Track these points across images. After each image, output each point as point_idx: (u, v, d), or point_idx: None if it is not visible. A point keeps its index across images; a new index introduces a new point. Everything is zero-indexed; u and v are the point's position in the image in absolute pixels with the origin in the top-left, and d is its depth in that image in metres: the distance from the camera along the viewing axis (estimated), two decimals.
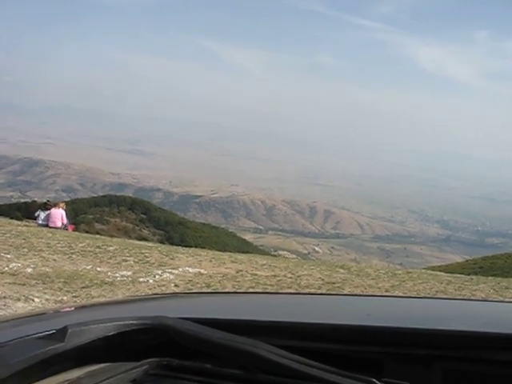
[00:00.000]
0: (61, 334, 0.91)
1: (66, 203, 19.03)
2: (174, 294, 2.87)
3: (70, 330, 0.91)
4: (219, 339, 0.97)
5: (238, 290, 8.06)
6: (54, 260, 9.95)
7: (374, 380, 0.89)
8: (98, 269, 9.47)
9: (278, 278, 9.61)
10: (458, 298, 7.88)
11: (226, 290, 8.08)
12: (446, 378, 1.07)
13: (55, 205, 16.75)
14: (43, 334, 0.98)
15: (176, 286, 8.68)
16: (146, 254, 11.16)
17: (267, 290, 8.25)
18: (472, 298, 8.23)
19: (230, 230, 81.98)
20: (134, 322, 1.03)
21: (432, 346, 1.08)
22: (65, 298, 7.43)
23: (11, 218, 20.23)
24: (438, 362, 1.08)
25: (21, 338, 0.96)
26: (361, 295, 5.02)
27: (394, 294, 8.15)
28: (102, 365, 0.98)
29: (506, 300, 7.42)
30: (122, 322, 1.01)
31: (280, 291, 8.27)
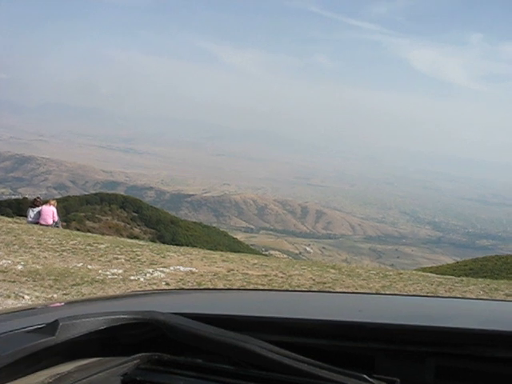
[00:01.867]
0: (52, 327, 0.91)
1: (58, 200, 18.91)
2: (166, 290, 2.87)
3: (61, 324, 0.91)
4: (210, 334, 0.97)
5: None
6: (45, 257, 9.91)
7: (365, 376, 0.89)
8: (89, 266, 9.44)
9: (269, 278, 9.61)
10: (450, 296, 7.92)
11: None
12: (438, 374, 1.07)
13: (46, 202, 16.65)
14: (34, 327, 0.98)
15: (167, 284, 8.67)
16: (138, 253, 11.13)
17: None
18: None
19: (222, 229, 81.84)
20: (126, 316, 1.03)
21: (424, 343, 1.08)
22: (55, 295, 7.41)
23: (2, 215, 20.11)
24: (430, 359, 1.08)
25: (11, 331, 0.95)
26: (352, 293, 5.03)
27: (386, 292, 8.18)
28: (93, 359, 0.99)
29: (497, 299, 7.46)
30: (113, 317, 1.01)
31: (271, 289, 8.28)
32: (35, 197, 18.62)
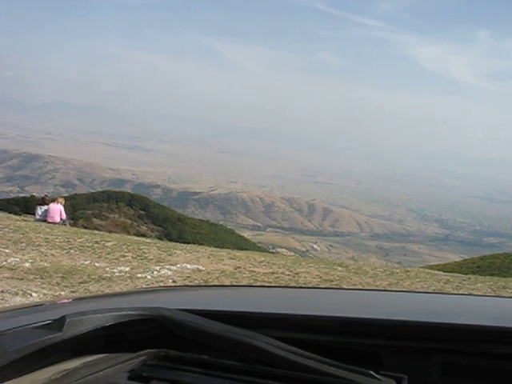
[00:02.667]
0: (59, 323, 0.91)
1: (65, 198, 18.95)
2: (173, 287, 2.87)
3: (68, 320, 0.91)
4: (218, 331, 0.97)
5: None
6: (52, 255, 9.95)
7: (372, 372, 0.89)
8: (96, 264, 9.47)
9: (276, 275, 9.61)
10: (458, 293, 7.89)
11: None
12: (444, 370, 1.07)
13: (54, 200, 16.71)
14: (41, 323, 0.98)
15: (174, 282, 8.68)
16: (144, 250, 11.15)
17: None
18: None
19: (229, 227, 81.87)
20: (133, 312, 1.03)
21: (431, 339, 1.08)
22: (63, 293, 7.43)
23: (10, 213, 20.21)
24: (437, 355, 1.08)
25: (19, 327, 0.96)
26: (360, 289, 5.02)
27: (393, 289, 8.15)
28: (100, 355, 0.99)
29: (505, 296, 7.42)
30: (120, 313, 1.01)
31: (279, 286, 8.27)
32: (43, 195, 18.70)
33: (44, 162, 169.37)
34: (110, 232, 23.79)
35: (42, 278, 8.08)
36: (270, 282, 8.97)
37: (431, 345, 1.08)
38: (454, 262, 33.43)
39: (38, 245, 10.76)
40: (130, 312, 1.03)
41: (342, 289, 4.99)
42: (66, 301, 1.59)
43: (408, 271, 11.54)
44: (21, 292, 7.08)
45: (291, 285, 8.94)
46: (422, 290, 8.90)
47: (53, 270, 8.62)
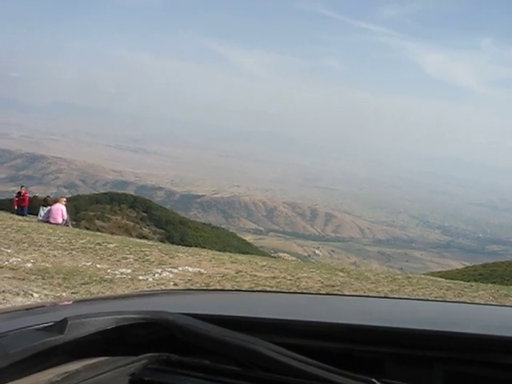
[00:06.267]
0: (60, 326, 0.91)
1: (68, 199, 18.97)
2: (175, 291, 2.86)
3: (69, 322, 0.91)
4: (219, 335, 0.97)
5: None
6: (54, 256, 9.96)
7: (374, 380, 0.88)
8: (98, 266, 9.47)
9: (278, 280, 9.60)
10: (460, 301, 7.86)
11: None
12: (446, 379, 1.06)
13: (56, 201, 16.73)
14: (43, 325, 0.97)
15: (175, 284, 8.68)
16: (146, 253, 11.15)
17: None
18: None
19: (231, 231, 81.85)
20: (135, 316, 1.03)
21: (433, 348, 1.07)
22: (64, 293, 7.44)
23: (12, 213, 20.23)
24: (439, 364, 1.07)
25: (20, 329, 0.95)
26: (362, 296, 5.00)
27: (396, 296, 8.13)
28: (101, 358, 0.98)
29: (507, 304, 7.39)
30: (122, 316, 1.01)
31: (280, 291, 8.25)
32: (46, 195, 18.72)
33: (47, 163, 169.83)
34: (112, 234, 23.80)
35: (44, 279, 8.09)
36: (272, 287, 8.96)
37: (433, 353, 1.07)
38: (455, 269, 33.41)
39: (40, 245, 10.78)
40: (131, 315, 1.03)
41: (343, 295, 4.96)
42: (67, 303, 1.58)
43: (410, 278, 11.51)
44: (22, 292, 7.08)
45: (292, 290, 8.93)
46: (423, 297, 8.87)
47: (54, 271, 8.63)
